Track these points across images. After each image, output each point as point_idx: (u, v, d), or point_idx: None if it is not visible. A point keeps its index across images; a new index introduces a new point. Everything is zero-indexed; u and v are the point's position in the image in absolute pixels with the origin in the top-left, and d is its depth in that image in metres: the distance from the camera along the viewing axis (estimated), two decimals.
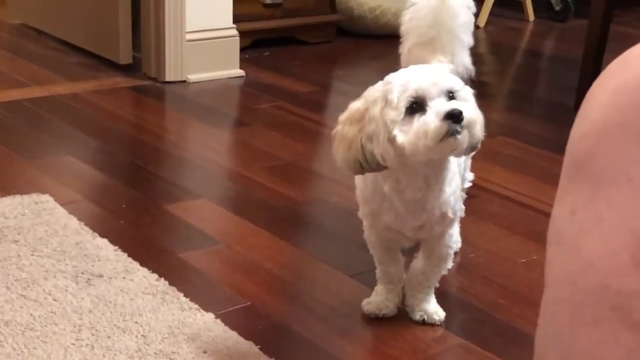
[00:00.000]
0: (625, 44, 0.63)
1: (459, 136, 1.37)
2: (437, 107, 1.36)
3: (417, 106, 1.37)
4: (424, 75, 1.40)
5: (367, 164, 1.42)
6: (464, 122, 1.36)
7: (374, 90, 1.43)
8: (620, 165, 0.53)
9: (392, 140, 1.38)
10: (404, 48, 1.72)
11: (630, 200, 0.52)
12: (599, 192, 0.54)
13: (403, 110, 1.37)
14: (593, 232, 0.54)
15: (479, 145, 1.47)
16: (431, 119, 1.36)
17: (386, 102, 1.39)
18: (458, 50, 1.71)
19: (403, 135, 1.37)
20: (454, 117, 1.35)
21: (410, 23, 1.71)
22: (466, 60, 1.73)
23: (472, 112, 1.39)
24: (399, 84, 1.39)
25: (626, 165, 0.53)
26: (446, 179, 1.49)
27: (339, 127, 1.44)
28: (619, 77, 0.57)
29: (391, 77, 1.42)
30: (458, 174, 1.56)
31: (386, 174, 1.47)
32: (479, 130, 1.41)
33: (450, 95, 1.40)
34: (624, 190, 0.53)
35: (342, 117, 1.44)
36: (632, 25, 4.31)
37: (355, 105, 1.44)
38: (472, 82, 1.81)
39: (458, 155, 1.45)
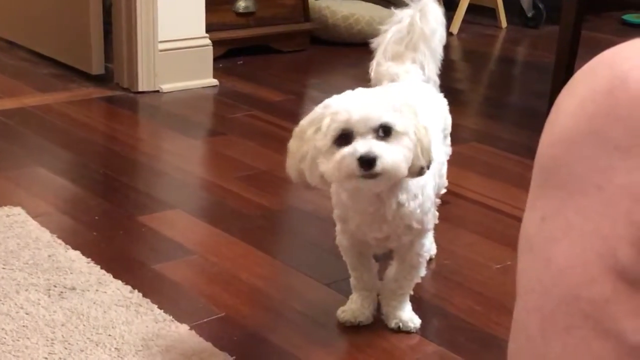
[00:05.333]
0: (596, 50, 0.63)
1: (370, 180, 1.38)
2: (357, 146, 1.36)
3: (343, 138, 1.38)
4: (358, 107, 1.38)
5: (303, 181, 1.44)
6: (377, 169, 1.36)
7: (314, 112, 1.43)
8: (589, 173, 0.53)
9: (317, 165, 1.40)
10: (373, 62, 1.74)
11: (600, 209, 0.52)
12: (569, 200, 0.54)
13: (330, 140, 1.38)
14: (563, 241, 0.54)
15: (426, 170, 1.46)
16: (345, 156, 1.36)
17: (317, 128, 1.40)
18: (432, 65, 1.73)
19: (324, 165, 1.39)
20: (365, 162, 1.35)
21: (384, 37, 1.73)
22: (435, 75, 1.76)
23: (392, 156, 1.37)
24: (332, 112, 1.39)
25: (595, 173, 0.53)
26: (403, 196, 1.48)
27: (290, 140, 1.46)
28: (586, 84, 0.57)
29: (331, 101, 1.42)
30: (430, 185, 1.55)
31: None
32: (402, 172, 1.39)
33: (385, 130, 1.38)
34: (594, 199, 0.53)
35: (295, 130, 1.46)
36: (603, 30, 4.35)
37: (303, 121, 1.45)
38: (445, 89, 1.82)
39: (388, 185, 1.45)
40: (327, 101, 1.43)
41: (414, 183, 1.49)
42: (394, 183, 1.45)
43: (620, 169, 0.52)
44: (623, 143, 0.53)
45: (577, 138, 0.55)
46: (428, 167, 1.45)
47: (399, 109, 1.41)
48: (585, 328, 0.53)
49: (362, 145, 1.36)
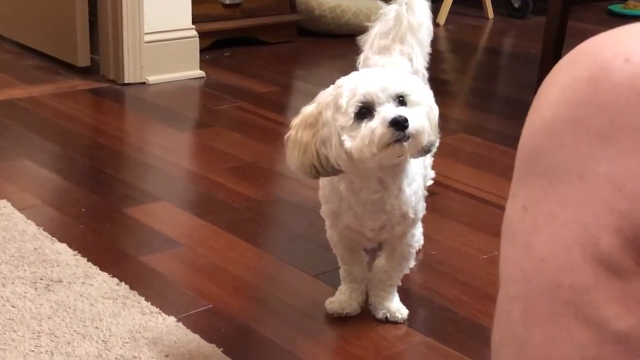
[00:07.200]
0: (583, 40, 0.63)
1: (404, 143, 1.37)
2: (384, 113, 1.36)
3: (365, 111, 1.38)
4: (373, 79, 1.40)
5: (322, 169, 1.42)
6: (409, 130, 1.36)
7: (326, 94, 1.43)
8: (571, 162, 0.53)
9: (342, 144, 1.38)
10: (360, 56, 1.74)
11: (581, 197, 0.52)
12: (550, 189, 0.54)
13: (352, 115, 1.38)
14: (545, 229, 0.54)
15: (433, 148, 1.48)
16: (376, 126, 1.36)
17: (336, 106, 1.39)
18: (420, 57, 1.73)
19: (350, 141, 1.37)
20: (398, 124, 1.35)
21: (370, 32, 1.73)
22: (423, 68, 1.76)
23: (418, 119, 1.38)
24: (349, 88, 1.39)
25: (577, 162, 0.53)
26: (405, 180, 1.49)
27: (292, 132, 1.44)
28: (568, 73, 0.57)
29: (342, 80, 1.43)
30: (420, 174, 1.56)
31: (341, 176, 1.47)
32: (427, 136, 1.40)
33: (401, 100, 1.40)
34: (575, 187, 0.53)
35: (296, 121, 1.44)
36: (589, 21, 4.36)
37: (309, 109, 1.44)
38: (432, 80, 1.82)
39: (409, 158, 1.45)
40: (338, 82, 1.43)
41: (410, 169, 1.49)
42: (396, 168, 1.45)
43: (602, 157, 0.52)
44: (604, 131, 0.53)
45: (559, 126, 0.55)
46: (432, 146, 1.45)
47: (411, 81, 1.44)
48: (567, 316, 0.53)
49: (389, 111, 1.36)
